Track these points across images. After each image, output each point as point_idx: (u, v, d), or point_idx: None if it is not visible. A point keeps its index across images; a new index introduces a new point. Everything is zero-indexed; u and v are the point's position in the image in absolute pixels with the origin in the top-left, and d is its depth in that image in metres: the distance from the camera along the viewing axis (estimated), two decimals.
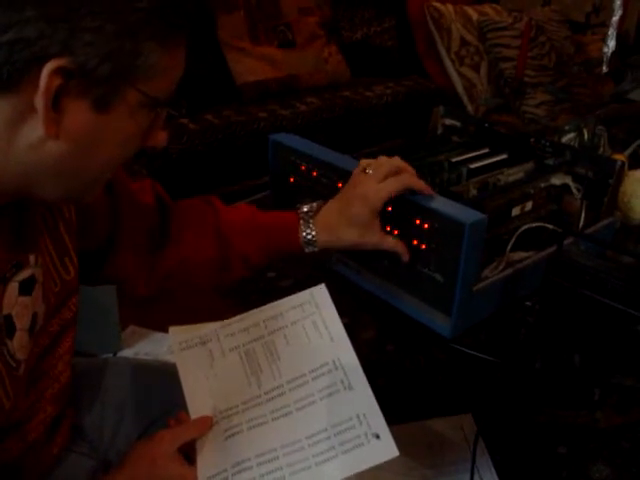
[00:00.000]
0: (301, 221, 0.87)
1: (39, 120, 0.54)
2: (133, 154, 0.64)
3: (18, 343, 0.65)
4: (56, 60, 0.52)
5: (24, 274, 0.65)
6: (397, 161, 0.88)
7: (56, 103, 0.54)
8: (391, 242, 0.87)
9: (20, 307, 0.64)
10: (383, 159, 0.89)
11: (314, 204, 0.89)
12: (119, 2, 0.54)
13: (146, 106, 0.59)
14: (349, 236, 0.87)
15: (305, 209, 0.88)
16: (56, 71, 0.52)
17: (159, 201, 0.88)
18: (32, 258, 0.66)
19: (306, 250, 0.88)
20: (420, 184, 0.86)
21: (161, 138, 0.65)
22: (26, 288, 0.65)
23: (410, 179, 0.86)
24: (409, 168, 0.88)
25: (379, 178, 0.85)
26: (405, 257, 0.88)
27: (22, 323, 0.65)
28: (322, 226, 0.87)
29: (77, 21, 0.52)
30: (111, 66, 0.54)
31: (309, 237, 0.87)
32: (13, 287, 0.63)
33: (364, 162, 0.89)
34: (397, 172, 0.87)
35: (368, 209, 0.85)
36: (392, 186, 0.85)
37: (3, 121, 0.54)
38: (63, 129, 0.55)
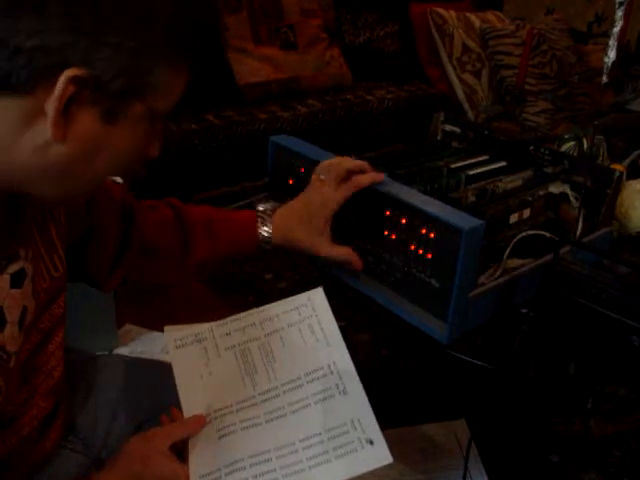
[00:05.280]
0: (259, 219, 0.91)
1: (47, 124, 0.55)
2: (130, 163, 0.66)
3: (8, 336, 0.65)
4: (74, 69, 0.53)
5: (15, 267, 0.65)
6: (346, 162, 0.92)
7: (66, 109, 0.55)
8: (342, 251, 0.92)
9: (11, 300, 0.65)
10: (332, 162, 0.92)
11: (270, 204, 0.93)
12: (140, 22, 0.55)
13: (148, 119, 0.61)
14: (302, 236, 0.90)
15: (262, 208, 0.92)
16: (72, 79, 0.53)
17: (125, 198, 0.91)
18: (22, 252, 0.67)
19: (261, 247, 0.92)
20: (369, 179, 0.89)
21: (155, 148, 0.67)
22: (17, 281, 0.66)
23: (359, 181, 0.89)
24: (358, 165, 0.91)
25: (333, 185, 0.89)
26: (358, 266, 0.92)
27: (12, 316, 0.65)
28: (278, 224, 0.91)
29: (100, 36, 0.53)
30: (124, 81, 0.56)
31: (265, 234, 0.91)
32: (5, 279, 0.64)
33: (319, 168, 0.92)
34: (349, 174, 0.90)
35: (324, 214, 0.89)
36: (342, 194, 0.89)
37: (12, 123, 0.55)
38: (69, 134, 0.56)
